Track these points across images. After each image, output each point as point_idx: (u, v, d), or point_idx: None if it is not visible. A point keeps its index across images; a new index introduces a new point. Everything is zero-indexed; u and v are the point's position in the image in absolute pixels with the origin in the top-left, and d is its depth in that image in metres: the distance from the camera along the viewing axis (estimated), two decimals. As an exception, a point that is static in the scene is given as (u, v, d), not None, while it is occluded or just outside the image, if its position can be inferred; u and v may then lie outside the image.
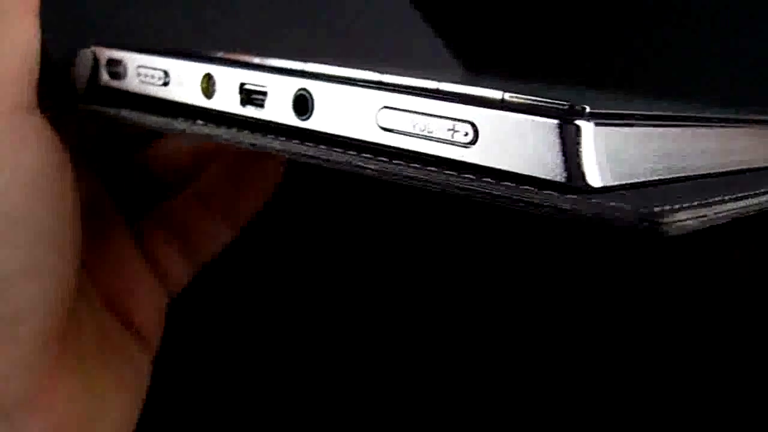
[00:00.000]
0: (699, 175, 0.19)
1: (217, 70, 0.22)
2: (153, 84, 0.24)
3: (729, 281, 0.29)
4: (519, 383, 0.33)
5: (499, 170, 0.16)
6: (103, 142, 0.30)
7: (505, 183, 0.16)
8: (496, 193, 0.16)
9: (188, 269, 0.30)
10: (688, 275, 0.30)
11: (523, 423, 0.33)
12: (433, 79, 0.17)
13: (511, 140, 0.16)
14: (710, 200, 0.16)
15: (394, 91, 0.18)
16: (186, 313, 0.32)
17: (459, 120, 0.17)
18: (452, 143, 0.17)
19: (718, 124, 0.20)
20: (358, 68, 0.19)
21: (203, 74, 0.22)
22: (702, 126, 0.19)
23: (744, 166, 0.21)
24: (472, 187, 0.16)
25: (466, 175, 0.16)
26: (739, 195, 0.17)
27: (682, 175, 0.18)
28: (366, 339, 0.35)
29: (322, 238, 0.36)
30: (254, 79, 0.21)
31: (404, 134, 0.18)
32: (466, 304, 0.34)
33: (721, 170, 0.20)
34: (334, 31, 0.33)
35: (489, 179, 0.16)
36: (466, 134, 0.17)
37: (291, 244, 0.36)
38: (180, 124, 0.22)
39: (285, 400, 0.35)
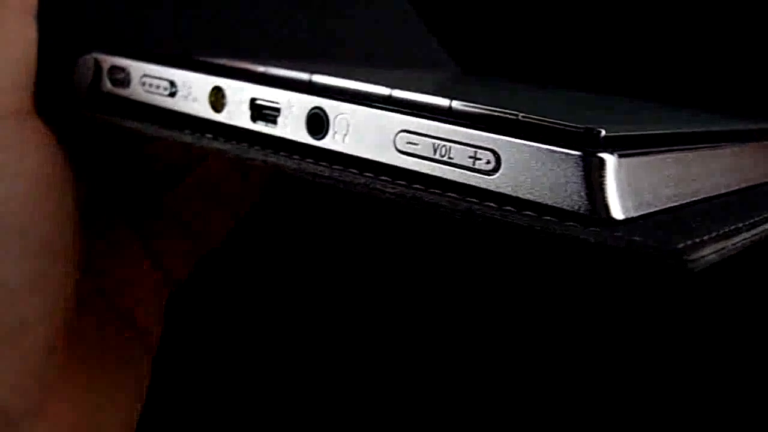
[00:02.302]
0: (711, 196, 0.19)
1: (227, 84, 0.21)
2: (159, 94, 0.23)
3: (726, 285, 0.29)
4: (517, 392, 0.33)
5: (521, 199, 0.16)
6: (99, 140, 0.30)
7: (527, 213, 0.16)
8: (519, 222, 0.16)
9: (188, 258, 0.30)
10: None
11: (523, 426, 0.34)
12: (452, 101, 0.17)
13: (533, 169, 0.16)
14: (728, 230, 0.16)
15: (412, 114, 0.18)
16: (186, 314, 0.32)
17: (481, 147, 0.17)
18: (473, 170, 0.17)
19: (730, 143, 0.21)
20: (374, 85, 0.19)
21: (212, 87, 0.22)
22: (715, 147, 0.20)
23: (751, 183, 0.22)
24: (493, 216, 0.16)
25: (488, 203, 0.16)
26: (754, 221, 0.17)
27: (696, 198, 0.18)
28: (364, 341, 0.35)
29: (322, 238, 0.36)
30: (266, 95, 0.21)
31: (423, 159, 0.18)
32: (465, 310, 0.34)
33: (731, 189, 0.20)
34: (332, 32, 0.32)
35: (510, 208, 0.16)
36: (488, 162, 0.17)
37: (291, 245, 0.36)
38: (187, 137, 0.22)
39: (285, 400, 0.35)
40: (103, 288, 0.27)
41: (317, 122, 0.19)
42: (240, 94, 0.21)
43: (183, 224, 0.29)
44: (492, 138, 0.16)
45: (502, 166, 0.16)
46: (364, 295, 0.35)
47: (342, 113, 0.19)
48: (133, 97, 0.24)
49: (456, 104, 0.17)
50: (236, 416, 0.35)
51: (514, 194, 0.16)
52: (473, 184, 0.17)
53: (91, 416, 0.24)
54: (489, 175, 0.17)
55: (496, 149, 0.16)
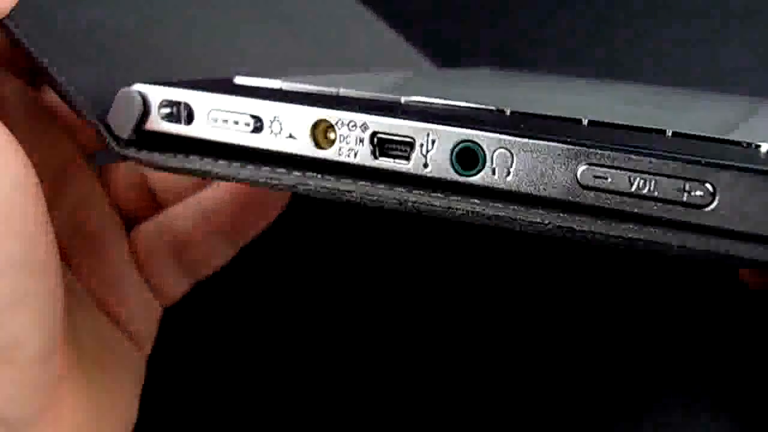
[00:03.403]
0: None
1: (338, 116, 0.19)
2: (237, 131, 0.21)
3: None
4: (531, 403, 0.33)
5: (739, 231, 0.16)
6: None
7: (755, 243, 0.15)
8: (749, 257, 0.15)
9: (182, 285, 0.29)
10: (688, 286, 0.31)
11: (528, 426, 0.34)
12: (642, 135, 0.17)
13: (756, 201, 0.15)
14: None
15: (601, 147, 0.17)
16: (186, 314, 0.31)
17: (694, 179, 0.16)
18: (684, 204, 0.16)
19: None
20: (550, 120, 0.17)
21: (315, 120, 0.20)
22: None
23: None
24: (718, 252, 0.15)
25: (709, 237, 0.16)
26: None
27: None
28: (368, 347, 0.34)
29: (324, 241, 0.35)
30: (396, 128, 0.19)
31: (615, 194, 0.16)
32: (469, 315, 0.34)
33: None
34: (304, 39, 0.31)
35: (736, 240, 0.16)
36: (703, 195, 0.16)
37: (293, 246, 0.35)
38: (287, 178, 0.20)
39: (285, 403, 0.34)
40: (97, 295, 0.26)
41: (468, 157, 0.18)
42: (358, 128, 0.19)
43: (180, 243, 0.28)
44: (709, 170, 0.16)
45: (718, 197, 0.16)
46: (366, 307, 0.34)
47: (503, 147, 0.17)
48: (195, 135, 0.21)
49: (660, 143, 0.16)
50: (237, 418, 0.34)
51: (731, 227, 0.16)
52: (682, 218, 0.16)
53: (92, 418, 0.23)
54: (702, 208, 0.16)
55: (712, 181, 0.16)
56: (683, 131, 0.18)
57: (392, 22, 0.35)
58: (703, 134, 0.18)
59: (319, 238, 0.35)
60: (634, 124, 0.18)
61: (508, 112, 0.20)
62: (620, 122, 0.19)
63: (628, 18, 0.35)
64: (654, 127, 0.18)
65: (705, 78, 0.33)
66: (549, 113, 0.19)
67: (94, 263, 0.26)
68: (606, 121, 0.19)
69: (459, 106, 0.20)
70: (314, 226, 0.35)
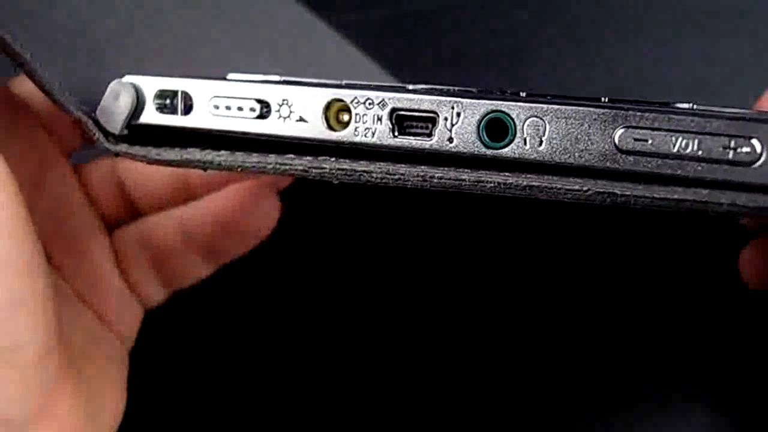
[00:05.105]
0: None
1: (354, 95, 0.18)
2: (241, 117, 0.20)
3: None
4: (536, 400, 0.33)
5: None
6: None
7: None
8: None
9: (161, 293, 0.29)
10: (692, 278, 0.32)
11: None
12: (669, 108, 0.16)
13: None
14: None
15: (641, 109, 0.16)
16: (181, 311, 0.31)
17: (739, 136, 0.15)
18: (728, 162, 0.15)
19: None
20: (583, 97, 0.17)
21: (329, 101, 0.19)
22: None
23: None
24: (766, 206, 0.15)
25: (755, 194, 0.15)
26: None
27: None
28: (363, 349, 0.34)
29: (322, 239, 0.35)
30: (416, 103, 0.18)
31: (656, 156, 0.16)
32: (470, 308, 0.34)
33: None
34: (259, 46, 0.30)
35: None
36: (748, 152, 0.15)
37: (290, 245, 0.34)
38: (298, 163, 0.19)
39: (283, 402, 0.34)
40: (79, 294, 0.26)
41: (497, 128, 0.17)
42: (376, 105, 0.18)
43: (161, 256, 0.28)
44: (755, 125, 0.15)
45: (765, 152, 0.15)
46: (366, 306, 0.34)
47: (535, 116, 0.17)
48: (194, 125, 0.20)
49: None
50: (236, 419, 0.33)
51: None
52: (728, 177, 0.15)
53: (86, 414, 0.23)
54: (749, 165, 0.15)
55: (759, 136, 0.15)
56: (708, 106, 0.18)
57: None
58: (728, 109, 0.17)
59: (314, 237, 0.35)
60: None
61: (523, 95, 0.19)
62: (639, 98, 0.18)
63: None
64: (676, 101, 0.18)
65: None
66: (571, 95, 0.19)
67: (76, 263, 0.26)
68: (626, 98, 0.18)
69: (469, 90, 0.20)
70: (307, 224, 0.35)
